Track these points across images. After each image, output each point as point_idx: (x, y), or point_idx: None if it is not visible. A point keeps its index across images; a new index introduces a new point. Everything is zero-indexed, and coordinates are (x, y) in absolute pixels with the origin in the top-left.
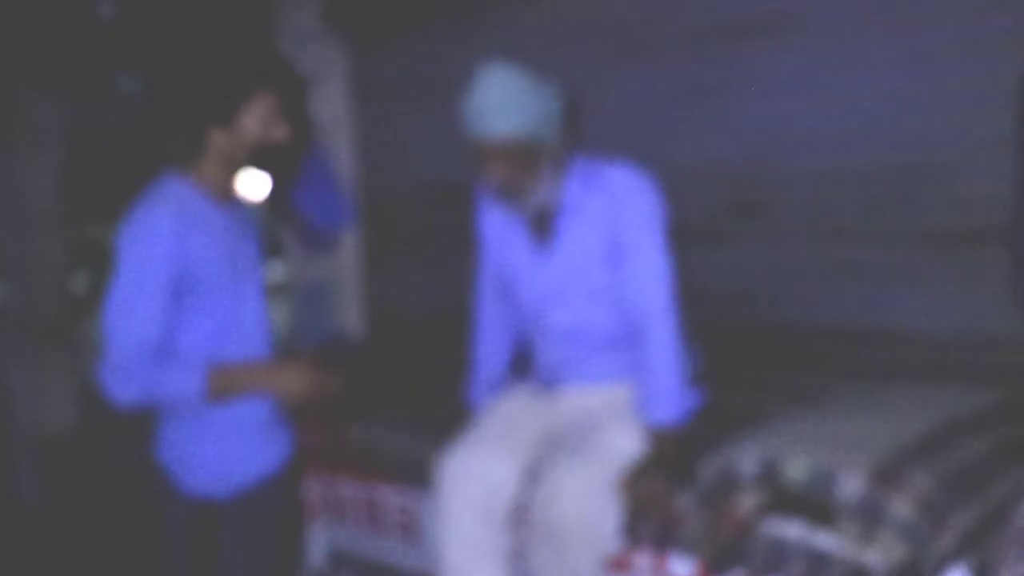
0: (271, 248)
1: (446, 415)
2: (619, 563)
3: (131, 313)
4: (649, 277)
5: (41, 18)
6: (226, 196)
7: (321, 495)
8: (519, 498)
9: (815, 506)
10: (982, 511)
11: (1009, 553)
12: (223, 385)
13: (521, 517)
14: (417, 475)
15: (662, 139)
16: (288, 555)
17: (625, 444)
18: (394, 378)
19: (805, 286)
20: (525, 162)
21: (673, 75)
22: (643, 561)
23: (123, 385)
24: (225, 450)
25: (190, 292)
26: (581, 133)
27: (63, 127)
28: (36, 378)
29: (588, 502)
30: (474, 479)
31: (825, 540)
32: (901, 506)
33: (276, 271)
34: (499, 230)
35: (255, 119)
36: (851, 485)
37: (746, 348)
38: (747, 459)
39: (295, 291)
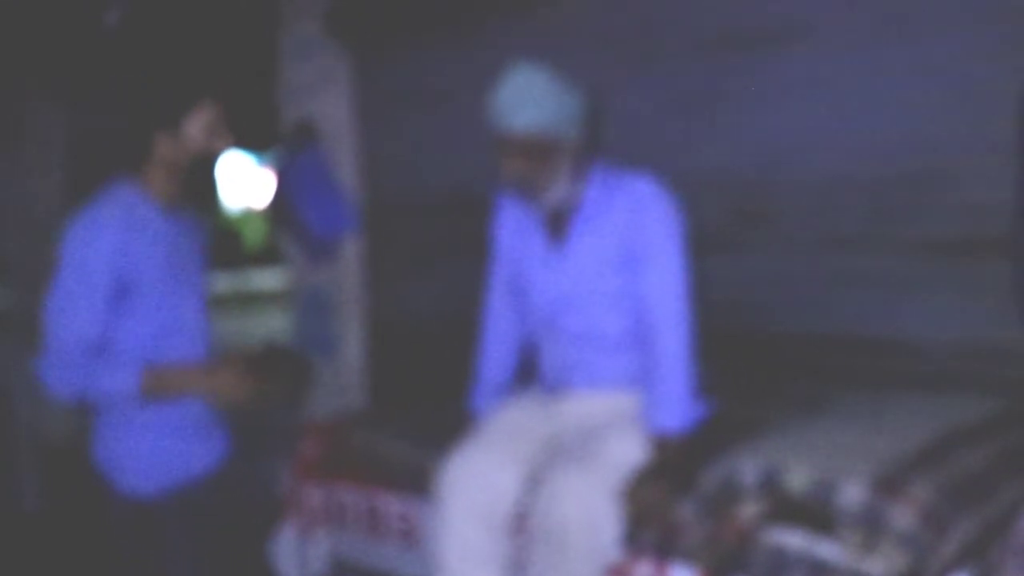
0: (215, 257)
1: (447, 422)
2: (620, 572)
3: (72, 311)
4: (665, 286)
5: (46, 29)
6: (172, 203)
7: (322, 502)
8: (520, 505)
9: (816, 515)
10: (984, 521)
11: (1010, 564)
12: (157, 385)
13: (522, 524)
14: (418, 482)
15: (668, 147)
16: (249, 556)
17: (627, 452)
18: (394, 385)
19: (809, 294)
20: (542, 158)
21: (678, 83)
22: (644, 570)
23: (60, 379)
24: (157, 449)
25: (131, 294)
26: (602, 138)
27: (68, 136)
28: (38, 386)
29: (589, 509)
30: (475, 486)
31: (826, 549)
32: (902, 515)
33: (277, 279)
34: (515, 233)
35: (199, 128)
36: (852, 494)
37: (749, 356)
38: (748, 468)
39: (296, 299)
